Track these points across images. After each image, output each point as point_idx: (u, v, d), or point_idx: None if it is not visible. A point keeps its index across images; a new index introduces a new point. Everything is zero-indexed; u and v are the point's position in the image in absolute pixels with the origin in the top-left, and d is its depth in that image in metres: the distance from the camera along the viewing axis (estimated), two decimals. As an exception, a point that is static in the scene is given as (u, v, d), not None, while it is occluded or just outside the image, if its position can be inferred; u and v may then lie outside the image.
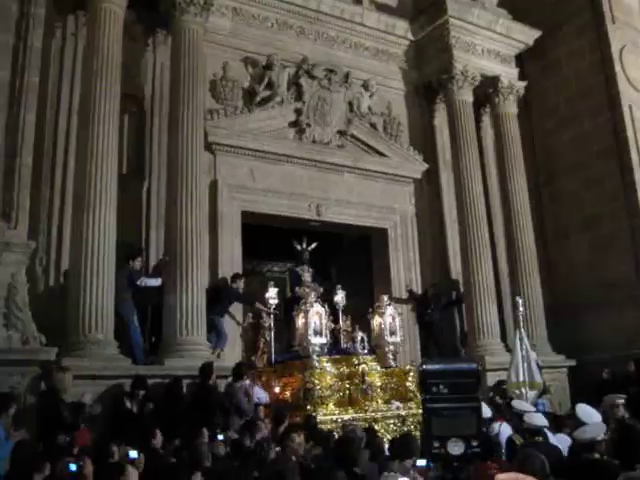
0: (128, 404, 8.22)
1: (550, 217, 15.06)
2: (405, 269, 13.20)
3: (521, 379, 10.01)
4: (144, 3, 10.95)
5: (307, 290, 10.85)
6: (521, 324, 10.48)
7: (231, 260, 11.20)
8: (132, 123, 10.94)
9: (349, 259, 14.16)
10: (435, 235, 13.77)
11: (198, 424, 7.62)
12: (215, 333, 10.47)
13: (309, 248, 11.91)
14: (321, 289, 11.42)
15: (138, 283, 9.77)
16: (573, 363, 13.09)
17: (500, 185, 14.25)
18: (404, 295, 13.08)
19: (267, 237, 12.50)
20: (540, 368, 11.45)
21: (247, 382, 9.14)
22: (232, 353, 10.61)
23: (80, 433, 7.21)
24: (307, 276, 11.54)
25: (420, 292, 13.19)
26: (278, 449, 6.49)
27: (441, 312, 13.11)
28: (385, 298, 10.87)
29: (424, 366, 3.46)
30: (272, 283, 11.15)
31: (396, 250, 13.28)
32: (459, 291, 13.36)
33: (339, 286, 11.45)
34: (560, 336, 13.40)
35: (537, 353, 12.41)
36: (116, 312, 9.29)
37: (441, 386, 3.29)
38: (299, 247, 11.98)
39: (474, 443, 3.23)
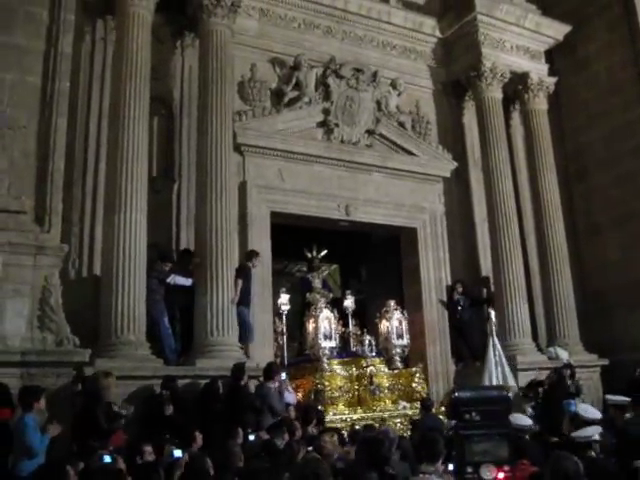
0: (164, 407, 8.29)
1: (581, 214, 14.88)
2: (435, 268, 13.11)
3: (494, 383, 10.27)
4: (172, 6, 11.03)
5: (317, 296, 11.13)
6: (494, 333, 10.72)
7: (261, 260, 11.20)
8: (161, 125, 11.00)
9: (379, 259, 14.13)
10: (465, 234, 13.67)
11: (231, 424, 7.69)
12: (244, 327, 10.22)
13: (319, 255, 12.08)
14: (331, 295, 11.94)
15: (168, 281, 9.83)
16: (606, 362, 12.92)
17: (530, 182, 14.11)
18: (433, 294, 13.01)
19: (296, 237, 12.54)
20: (572, 368, 11.48)
21: (277, 383, 9.20)
22: (262, 352, 10.56)
23: (115, 435, 7.29)
24: (317, 282, 11.78)
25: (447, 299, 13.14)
26: (310, 449, 6.52)
27: (471, 310, 13.03)
28: (392, 303, 11.10)
29: (456, 394, 3.54)
30: (284, 289, 11.31)
31: (426, 249, 13.19)
32: (489, 289, 13.25)
33: (348, 291, 12.03)
34: (592, 335, 13.26)
35: (569, 352, 12.43)
36: (147, 313, 9.38)
37: (473, 413, 3.34)
38: (309, 255, 12.14)
39: (506, 468, 3.27)
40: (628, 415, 8.26)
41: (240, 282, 10.06)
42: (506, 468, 3.29)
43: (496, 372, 10.58)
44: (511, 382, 10.79)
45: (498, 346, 10.87)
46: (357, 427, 9.14)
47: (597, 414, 7.43)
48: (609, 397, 8.37)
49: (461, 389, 3.68)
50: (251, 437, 7.58)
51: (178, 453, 5.95)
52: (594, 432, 5.95)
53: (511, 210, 13.08)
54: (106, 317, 9.04)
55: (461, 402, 3.45)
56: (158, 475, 4.85)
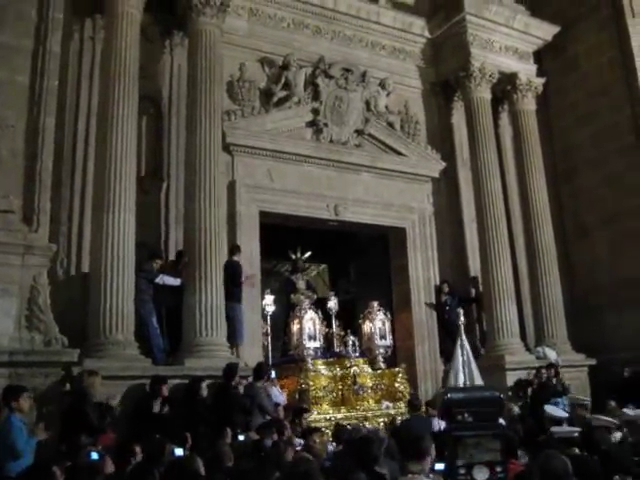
0: (154, 407, 8.26)
1: (569, 214, 14.94)
2: (423, 268, 13.14)
3: (460, 382, 10.37)
4: (161, 5, 11.04)
5: (302, 297, 11.24)
6: (462, 333, 10.83)
7: (249, 260, 11.18)
8: (150, 125, 10.96)
9: (368, 258, 14.16)
10: (453, 234, 13.70)
11: (220, 424, 7.68)
12: (235, 324, 10.20)
13: (303, 257, 12.15)
14: (315, 296, 12.04)
15: (157, 281, 9.81)
16: (593, 362, 12.97)
17: (519, 183, 14.18)
18: (422, 294, 13.03)
19: (285, 237, 12.53)
20: (557, 368, 11.56)
21: (266, 383, 9.21)
22: (250, 352, 10.55)
23: (104, 434, 7.26)
24: (301, 283, 11.88)
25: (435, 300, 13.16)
26: (298, 448, 6.52)
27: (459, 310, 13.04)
28: (375, 304, 11.23)
29: (448, 395, 3.53)
30: (268, 290, 11.40)
31: (414, 249, 13.22)
32: (478, 289, 13.28)
33: (332, 293, 12.04)
34: (581, 335, 13.31)
35: (557, 352, 12.47)
36: (136, 313, 9.35)
37: (466, 414, 3.34)
38: (293, 256, 12.19)
39: (498, 469, 3.26)
40: (588, 415, 8.47)
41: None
42: (499, 469, 3.28)
43: (463, 372, 10.68)
44: (478, 382, 10.87)
45: (466, 346, 10.99)
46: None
47: (563, 414, 7.55)
48: (572, 396, 8.49)
49: (453, 390, 3.67)
50: (241, 437, 7.57)
51: (179, 452, 5.93)
52: (574, 429, 6.03)
53: (499, 210, 13.12)
54: (94, 317, 9.01)
55: (453, 403, 3.44)
56: (153, 477, 4.80)
